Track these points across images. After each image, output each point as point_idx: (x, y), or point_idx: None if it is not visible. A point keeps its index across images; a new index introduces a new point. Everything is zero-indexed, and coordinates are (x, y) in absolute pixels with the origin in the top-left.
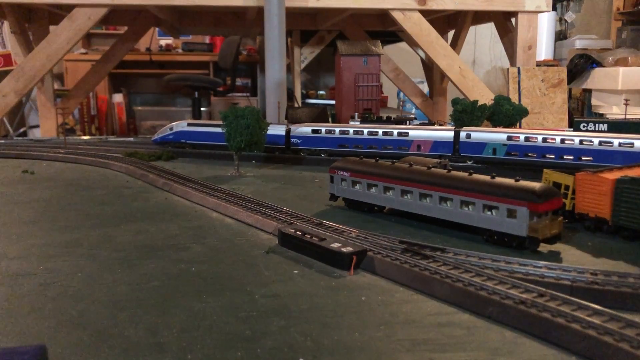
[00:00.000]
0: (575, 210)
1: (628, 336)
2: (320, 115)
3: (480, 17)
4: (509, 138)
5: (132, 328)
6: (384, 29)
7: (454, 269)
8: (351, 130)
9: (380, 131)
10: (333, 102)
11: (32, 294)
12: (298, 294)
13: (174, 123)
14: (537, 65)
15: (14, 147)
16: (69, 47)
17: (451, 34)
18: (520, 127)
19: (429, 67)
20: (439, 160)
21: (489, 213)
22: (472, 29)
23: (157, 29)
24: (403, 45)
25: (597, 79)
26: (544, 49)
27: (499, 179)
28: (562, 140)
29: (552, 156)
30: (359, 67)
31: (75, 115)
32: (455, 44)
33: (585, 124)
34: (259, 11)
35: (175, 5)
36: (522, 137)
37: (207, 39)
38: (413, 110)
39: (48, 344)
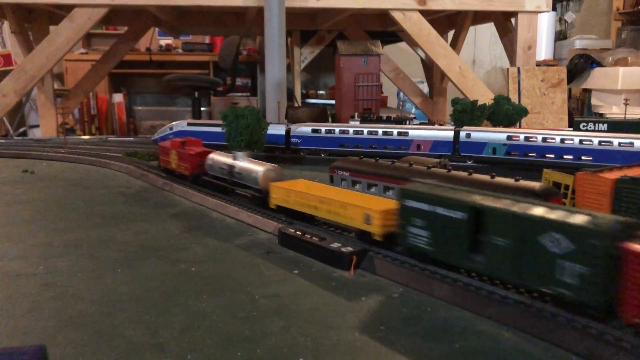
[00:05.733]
0: None
1: (628, 336)
2: (320, 115)
3: (480, 17)
4: (509, 138)
5: (132, 328)
6: (384, 29)
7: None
8: (351, 130)
9: (380, 131)
10: (333, 102)
11: (32, 294)
12: (298, 294)
13: (173, 123)
14: (537, 65)
15: (14, 147)
16: (69, 47)
17: (451, 34)
18: (520, 127)
19: (429, 67)
20: (439, 160)
21: None
22: (472, 29)
23: (157, 29)
24: (403, 45)
25: (597, 79)
26: (544, 49)
27: (499, 179)
28: (562, 140)
29: (552, 156)
30: (359, 67)
31: (75, 115)
32: (455, 44)
33: (585, 124)
34: (259, 11)
35: (175, 5)
36: (522, 136)
37: (207, 39)
38: (413, 110)
39: (48, 344)
